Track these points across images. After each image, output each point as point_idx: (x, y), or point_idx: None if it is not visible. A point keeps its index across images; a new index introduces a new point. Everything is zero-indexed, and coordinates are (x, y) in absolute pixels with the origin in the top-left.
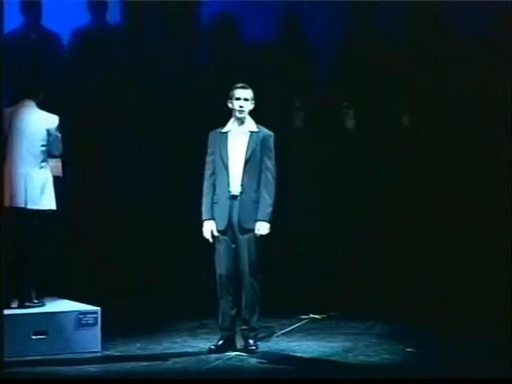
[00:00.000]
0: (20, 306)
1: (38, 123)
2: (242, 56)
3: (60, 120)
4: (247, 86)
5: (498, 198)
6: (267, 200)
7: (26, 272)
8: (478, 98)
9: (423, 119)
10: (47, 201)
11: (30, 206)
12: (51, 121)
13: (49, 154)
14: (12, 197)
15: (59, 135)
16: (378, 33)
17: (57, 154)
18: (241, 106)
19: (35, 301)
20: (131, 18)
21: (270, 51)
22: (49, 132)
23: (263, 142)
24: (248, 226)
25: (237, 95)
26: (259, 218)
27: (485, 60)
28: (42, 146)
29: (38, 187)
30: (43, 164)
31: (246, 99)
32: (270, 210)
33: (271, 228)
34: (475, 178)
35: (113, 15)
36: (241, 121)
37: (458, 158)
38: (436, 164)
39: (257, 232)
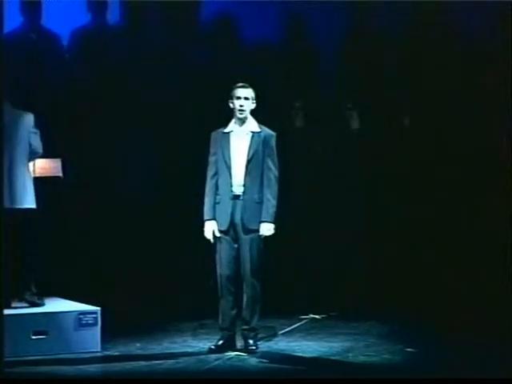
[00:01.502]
0: (20, 300)
1: (13, 123)
2: (243, 56)
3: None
4: (247, 85)
5: (498, 198)
6: (270, 201)
7: (22, 271)
8: (479, 98)
9: (425, 120)
10: (28, 200)
11: (13, 205)
12: (27, 119)
13: (31, 153)
14: None
15: (37, 132)
16: (380, 33)
17: (39, 150)
18: (241, 105)
19: (36, 298)
20: (131, 18)
21: (271, 51)
22: (28, 130)
23: (265, 142)
24: (251, 227)
25: (237, 94)
26: (263, 219)
27: (485, 60)
28: (21, 145)
29: (19, 186)
30: (23, 163)
31: (246, 98)
32: (273, 210)
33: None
34: (476, 179)
35: (113, 15)
36: (242, 121)
37: (459, 158)
38: (438, 164)
39: (261, 233)
